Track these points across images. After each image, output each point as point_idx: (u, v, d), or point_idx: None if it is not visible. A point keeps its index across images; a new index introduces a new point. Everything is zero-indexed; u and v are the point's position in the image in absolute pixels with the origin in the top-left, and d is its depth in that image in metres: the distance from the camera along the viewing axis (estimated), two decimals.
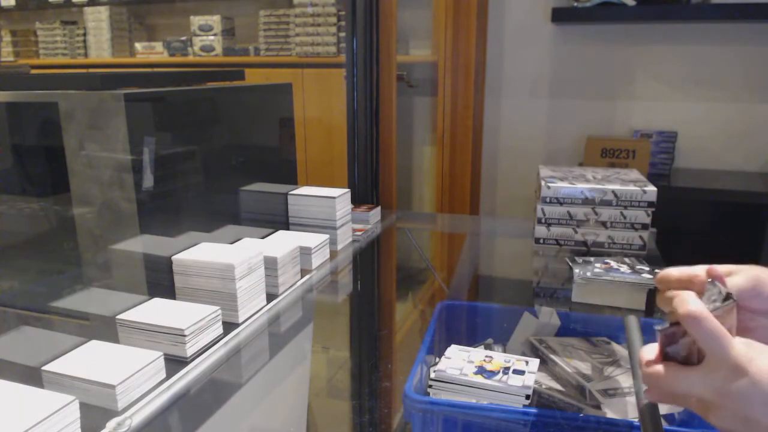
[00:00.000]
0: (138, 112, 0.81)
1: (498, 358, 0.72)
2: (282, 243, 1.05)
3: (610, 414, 0.68)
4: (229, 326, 0.86)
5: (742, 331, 0.51)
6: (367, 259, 1.29)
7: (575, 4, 2.12)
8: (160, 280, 0.88)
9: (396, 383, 0.80)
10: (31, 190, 0.94)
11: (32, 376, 0.69)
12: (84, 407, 0.61)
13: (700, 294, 0.51)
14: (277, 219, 1.22)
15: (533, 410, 0.64)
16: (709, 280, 0.51)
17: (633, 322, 0.75)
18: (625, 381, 0.74)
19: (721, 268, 0.52)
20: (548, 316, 0.87)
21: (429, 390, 0.69)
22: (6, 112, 0.90)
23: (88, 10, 3.25)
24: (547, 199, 1.23)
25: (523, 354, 0.81)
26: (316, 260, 1.12)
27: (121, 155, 0.80)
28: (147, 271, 0.85)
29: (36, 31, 3.41)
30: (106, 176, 0.82)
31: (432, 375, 0.70)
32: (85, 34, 3.32)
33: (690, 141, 2.23)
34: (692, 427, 0.64)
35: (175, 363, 0.76)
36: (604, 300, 1.02)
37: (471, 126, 2.29)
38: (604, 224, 1.22)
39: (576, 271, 1.06)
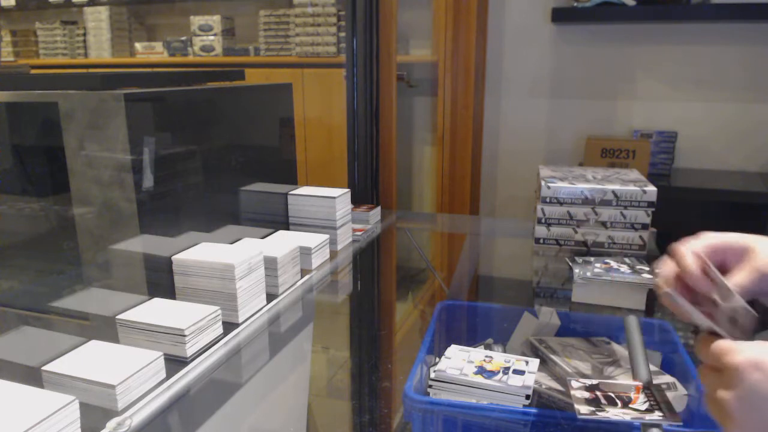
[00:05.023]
0: (138, 112, 0.81)
1: (498, 358, 0.72)
2: (282, 243, 1.04)
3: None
4: (229, 326, 0.86)
5: None
6: (367, 259, 1.29)
7: (575, 4, 2.12)
8: (160, 280, 0.88)
9: (396, 383, 0.79)
10: (31, 190, 0.94)
11: (32, 376, 0.69)
12: (84, 407, 0.61)
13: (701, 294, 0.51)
14: (277, 219, 1.22)
15: (533, 410, 0.64)
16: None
17: (633, 322, 0.75)
18: (625, 381, 0.74)
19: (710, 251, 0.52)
20: (548, 316, 0.87)
21: (429, 390, 0.69)
22: (6, 112, 0.90)
23: (88, 10, 3.25)
24: (547, 199, 1.23)
25: (523, 354, 0.81)
26: (316, 260, 1.12)
27: (121, 155, 0.80)
28: (147, 271, 0.85)
29: (36, 31, 3.41)
30: (106, 176, 0.82)
31: (432, 375, 0.70)
32: (85, 34, 3.32)
33: (690, 141, 2.23)
34: (693, 427, 0.64)
35: (175, 363, 0.76)
36: (604, 300, 1.02)
37: (471, 126, 2.29)
38: (604, 224, 1.22)
39: (576, 271, 1.06)
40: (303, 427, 0.77)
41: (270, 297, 0.97)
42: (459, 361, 0.71)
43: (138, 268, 0.85)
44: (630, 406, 0.61)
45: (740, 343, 0.45)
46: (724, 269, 0.54)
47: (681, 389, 0.71)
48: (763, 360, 0.43)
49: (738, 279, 0.52)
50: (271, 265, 0.97)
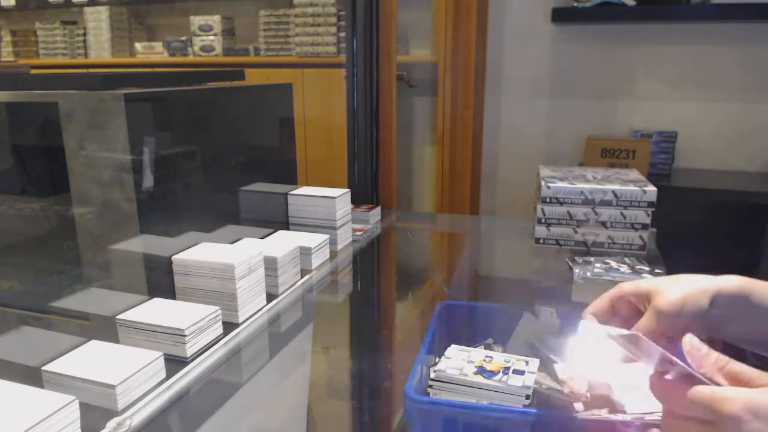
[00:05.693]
0: (138, 112, 0.81)
1: (498, 358, 0.72)
2: (282, 243, 1.04)
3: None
4: (229, 326, 0.86)
5: None
6: (367, 259, 1.29)
7: (575, 4, 2.12)
8: (160, 280, 0.88)
9: (396, 383, 0.79)
10: (31, 190, 0.94)
11: (32, 376, 0.69)
12: (84, 407, 0.61)
13: None
14: (277, 219, 1.22)
15: (533, 410, 0.64)
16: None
17: None
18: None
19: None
20: (548, 316, 0.87)
21: (429, 390, 0.69)
22: (6, 112, 0.90)
23: (88, 10, 3.25)
24: (547, 199, 1.23)
25: (523, 354, 0.81)
26: (316, 260, 1.12)
27: (121, 155, 0.80)
28: (147, 271, 0.85)
29: (36, 31, 3.41)
30: (106, 176, 0.82)
31: (432, 375, 0.70)
32: (85, 34, 3.32)
33: (690, 141, 2.23)
34: None
35: (175, 363, 0.76)
36: None
37: (471, 126, 2.29)
38: (604, 224, 1.22)
39: (576, 271, 1.06)
40: (303, 427, 0.77)
41: (270, 297, 0.97)
42: (459, 361, 0.71)
43: (138, 268, 0.85)
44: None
45: (729, 389, 0.42)
46: (635, 316, 0.56)
47: None
48: (759, 404, 0.40)
49: (640, 324, 0.53)
50: (271, 265, 0.97)
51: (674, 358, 0.45)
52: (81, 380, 0.67)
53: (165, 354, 0.74)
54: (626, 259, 1.14)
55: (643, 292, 0.55)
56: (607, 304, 0.58)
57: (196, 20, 3.01)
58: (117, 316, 0.79)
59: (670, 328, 0.51)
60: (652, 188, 1.19)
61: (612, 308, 0.58)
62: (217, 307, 0.83)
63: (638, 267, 1.09)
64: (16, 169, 0.92)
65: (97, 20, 3.24)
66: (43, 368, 0.69)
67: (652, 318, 0.52)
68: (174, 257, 0.88)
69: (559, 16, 2.15)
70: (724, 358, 0.44)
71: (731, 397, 0.40)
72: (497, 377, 0.67)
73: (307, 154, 2.65)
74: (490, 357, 0.72)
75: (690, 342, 0.46)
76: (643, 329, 0.51)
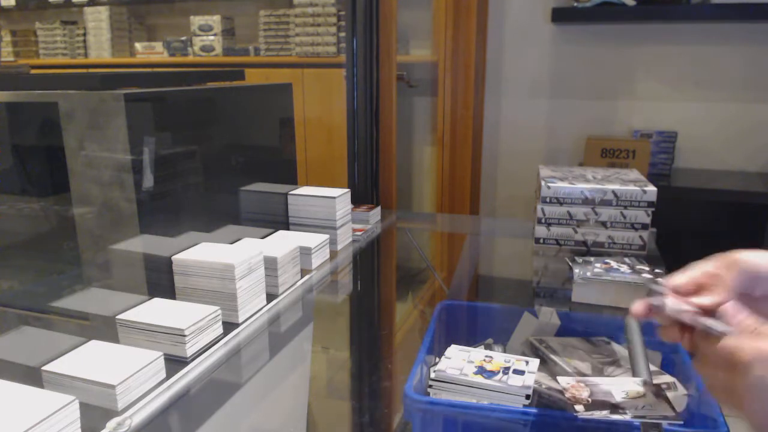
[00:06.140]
0: (138, 112, 0.81)
1: (498, 358, 0.72)
2: (282, 243, 1.04)
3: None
4: (229, 326, 0.86)
5: None
6: (367, 259, 1.29)
7: (575, 4, 2.12)
8: (160, 280, 0.88)
9: (396, 383, 0.80)
10: (31, 190, 0.94)
11: (32, 376, 0.69)
12: (84, 407, 0.61)
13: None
14: (277, 219, 1.22)
15: (533, 410, 0.64)
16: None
17: (633, 322, 0.75)
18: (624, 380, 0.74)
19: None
20: (548, 316, 0.87)
21: (429, 390, 0.69)
22: (6, 112, 0.90)
23: (88, 10, 3.25)
24: (547, 199, 1.23)
25: (523, 354, 0.81)
26: (316, 260, 1.12)
27: (121, 155, 0.80)
28: (147, 271, 0.85)
29: (36, 31, 3.41)
30: (106, 176, 0.82)
31: (432, 375, 0.70)
32: (85, 34, 3.32)
33: (690, 141, 2.23)
34: (693, 427, 0.64)
35: (175, 363, 0.76)
36: (604, 300, 1.02)
37: (471, 126, 2.29)
38: (604, 224, 1.22)
39: (576, 271, 1.06)
40: (303, 427, 0.77)
41: (270, 297, 0.97)
42: (459, 361, 0.71)
43: (138, 268, 0.85)
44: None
45: (746, 341, 0.47)
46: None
47: (681, 389, 0.71)
48: (765, 352, 0.44)
49: (727, 283, 0.54)
50: (271, 265, 0.97)
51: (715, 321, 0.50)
52: (81, 380, 0.67)
53: (165, 354, 0.74)
54: (626, 259, 1.14)
55: (725, 261, 0.56)
56: (691, 284, 0.57)
57: (196, 20, 3.01)
58: (117, 316, 0.79)
59: (749, 281, 0.53)
60: (652, 188, 1.19)
61: (693, 287, 0.58)
62: (217, 307, 0.83)
63: (638, 267, 1.09)
64: (16, 169, 0.92)
65: (97, 20, 3.24)
66: (43, 368, 0.69)
67: (738, 276, 0.53)
68: (174, 257, 0.88)
69: (559, 16, 2.15)
70: (758, 321, 0.49)
71: (746, 347, 0.46)
72: (497, 377, 0.67)
73: (307, 154, 2.65)
74: (490, 357, 0.72)
75: (732, 306, 0.51)
76: (727, 287, 0.53)
